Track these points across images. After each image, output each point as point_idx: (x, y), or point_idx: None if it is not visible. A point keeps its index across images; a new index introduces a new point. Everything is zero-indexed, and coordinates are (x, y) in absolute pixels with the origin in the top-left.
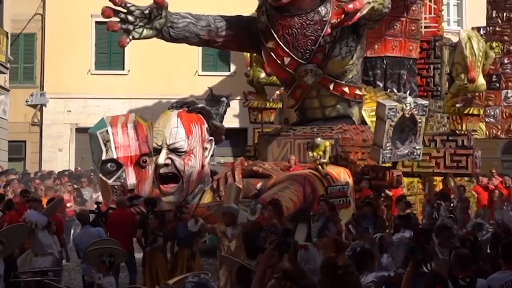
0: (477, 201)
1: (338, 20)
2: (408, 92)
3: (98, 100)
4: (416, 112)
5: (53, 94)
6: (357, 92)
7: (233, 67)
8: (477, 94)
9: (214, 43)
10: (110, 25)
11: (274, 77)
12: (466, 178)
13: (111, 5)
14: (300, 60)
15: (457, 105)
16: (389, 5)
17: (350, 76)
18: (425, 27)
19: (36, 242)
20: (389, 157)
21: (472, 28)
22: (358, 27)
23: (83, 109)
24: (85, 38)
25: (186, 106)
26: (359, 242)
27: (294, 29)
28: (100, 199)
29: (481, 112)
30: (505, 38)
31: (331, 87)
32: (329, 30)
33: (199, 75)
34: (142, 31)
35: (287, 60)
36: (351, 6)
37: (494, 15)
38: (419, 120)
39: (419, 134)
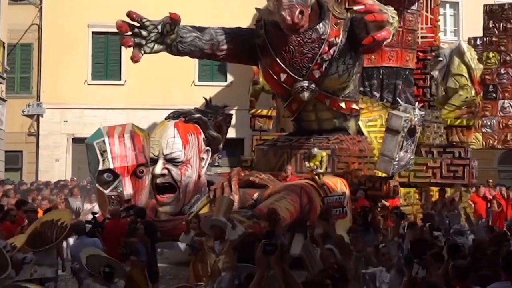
0: (474, 211)
1: (365, 46)
2: (404, 102)
3: (94, 110)
4: (417, 123)
5: (49, 104)
6: (354, 106)
7: (229, 78)
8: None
9: (215, 56)
10: (125, 41)
11: None
12: (463, 188)
13: (125, 18)
14: (296, 77)
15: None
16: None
17: (347, 92)
18: (422, 37)
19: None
20: (397, 168)
21: (469, 39)
22: (358, 46)
23: (79, 119)
24: (82, 48)
25: (182, 116)
26: None
27: (292, 47)
28: (95, 209)
29: (472, 123)
30: (502, 48)
31: (327, 102)
32: (326, 48)
33: (195, 85)
34: (154, 46)
35: (283, 76)
36: (380, 34)
37: (490, 26)
38: (417, 131)
39: (415, 144)
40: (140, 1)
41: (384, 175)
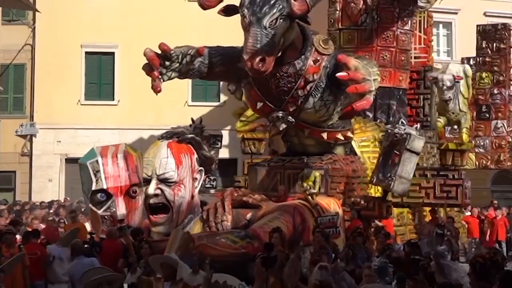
0: (467, 231)
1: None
2: (395, 121)
3: (88, 131)
4: None
5: (43, 125)
6: (339, 136)
7: (223, 98)
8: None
9: (210, 78)
10: (154, 75)
11: None
12: (455, 209)
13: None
14: (272, 106)
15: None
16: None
17: (330, 123)
18: (415, 57)
19: (52, 272)
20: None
21: (462, 59)
22: (335, 82)
23: (73, 140)
24: (75, 68)
25: (176, 136)
26: None
27: (268, 79)
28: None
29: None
30: (495, 68)
31: (307, 132)
32: (302, 84)
33: (188, 106)
34: (171, 74)
35: (259, 104)
36: (360, 104)
37: (484, 46)
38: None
39: None
40: (132, 21)
41: (377, 195)
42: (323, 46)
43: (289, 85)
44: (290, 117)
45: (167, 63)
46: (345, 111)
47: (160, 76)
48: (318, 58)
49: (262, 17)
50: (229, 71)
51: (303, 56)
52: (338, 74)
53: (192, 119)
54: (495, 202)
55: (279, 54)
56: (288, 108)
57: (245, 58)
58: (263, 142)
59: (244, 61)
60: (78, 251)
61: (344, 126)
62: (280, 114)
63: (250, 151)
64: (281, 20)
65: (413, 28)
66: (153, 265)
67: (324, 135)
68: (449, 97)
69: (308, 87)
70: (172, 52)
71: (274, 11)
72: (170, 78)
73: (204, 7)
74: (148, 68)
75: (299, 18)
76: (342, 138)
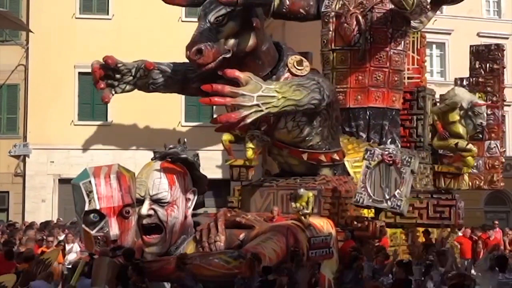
0: (460, 252)
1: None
2: (390, 141)
3: (81, 151)
4: None
5: (36, 145)
6: (322, 158)
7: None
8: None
9: (185, 93)
10: (98, 85)
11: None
12: (448, 229)
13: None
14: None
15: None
16: (314, 101)
17: (310, 144)
18: (408, 78)
19: None
20: None
21: (455, 79)
22: None
23: (66, 160)
24: (68, 88)
25: (169, 156)
26: None
27: None
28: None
29: (451, 169)
30: (488, 89)
31: (286, 151)
32: None
33: (182, 126)
34: (125, 87)
35: None
36: (224, 116)
37: (477, 66)
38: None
39: None
40: (125, 42)
41: (370, 215)
42: (296, 67)
43: None
44: (265, 136)
45: (118, 76)
46: (201, 100)
47: (111, 88)
48: (294, 76)
49: (209, 12)
50: None
51: (274, 76)
52: (202, 86)
53: (179, 140)
54: (496, 222)
55: (229, 54)
56: (261, 127)
57: (186, 48)
58: (252, 168)
59: (185, 52)
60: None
61: (329, 148)
62: (256, 133)
63: (239, 178)
64: (230, 21)
65: (407, 48)
66: None
67: (304, 156)
68: (481, 122)
69: None
70: (120, 65)
71: (220, 7)
72: (124, 91)
73: (171, 2)
74: (95, 79)
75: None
76: (325, 160)
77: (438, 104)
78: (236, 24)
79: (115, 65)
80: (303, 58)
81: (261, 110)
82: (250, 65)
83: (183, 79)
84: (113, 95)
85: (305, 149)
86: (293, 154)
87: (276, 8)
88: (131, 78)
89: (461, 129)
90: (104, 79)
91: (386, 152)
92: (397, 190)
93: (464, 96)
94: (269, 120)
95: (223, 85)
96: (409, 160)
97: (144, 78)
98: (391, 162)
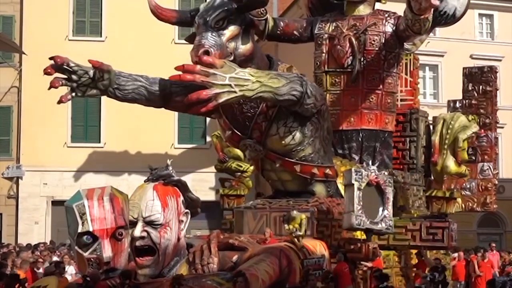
0: (452, 274)
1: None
2: (378, 164)
3: (74, 173)
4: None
5: (29, 167)
6: (314, 171)
7: (209, 140)
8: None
9: (169, 107)
10: (52, 82)
11: (229, 163)
12: (442, 251)
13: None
14: (241, 134)
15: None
16: (294, 92)
17: (302, 155)
18: (401, 99)
19: None
20: (368, 224)
21: (448, 101)
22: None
23: (59, 182)
24: (61, 110)
25: (162, 178)
26: None
27: (234, 104)
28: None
29: (447, 194)
30: (481, 111)
31: (278, 163)
32: (264, 108)
33: (175, 148)
34: (86, 89)
35: (228, 132)
36: (195, 93)
37: (470, 88)
38: (386, 191)
39: (390, 206)
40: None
41: (363, 237)
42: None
43: (251, 111)
44: (257, 145)
45: (74, 77)
46: (172, 77)
47: (73, 92)
48: None
49: (208, 18)
50: None
51: None
52: (176, 67)
53: (167, 164)
54: (493, 245)
55: (231, 57)
56: (253, 134)
57: (192, 54)
58: (242, 198)
59: (191, 56)
60: None
61: (322, 162)
62: (248, 142)
63: (230, 208)
64: (230, 24)
65: (400, 70)
66: None
67: (297, 168)
68: None
69: (270, 112)
70: (73, 65)
71: (219, 11)
72: (87, 94)
73: (159, 17)
74: (52, 80)
75: (243, 8)
76: (318, 173)
77: (431, 126)
78: (236, 28)
79: (67, 64)
80: (293, 66)
81: (234, 91)
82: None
83: (163, 90)
84: (73, 97)
85: (297, 160)
86: (286, 166)
87: (270, 30)
88: (90, 80)
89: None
90: (62, 80)
91: (372, 174)
92: (385, 211)
93: None
94: (261, 126)
95: (194, 65)
96: (390, 180)
97: (102, 80)
98: (376, 183)
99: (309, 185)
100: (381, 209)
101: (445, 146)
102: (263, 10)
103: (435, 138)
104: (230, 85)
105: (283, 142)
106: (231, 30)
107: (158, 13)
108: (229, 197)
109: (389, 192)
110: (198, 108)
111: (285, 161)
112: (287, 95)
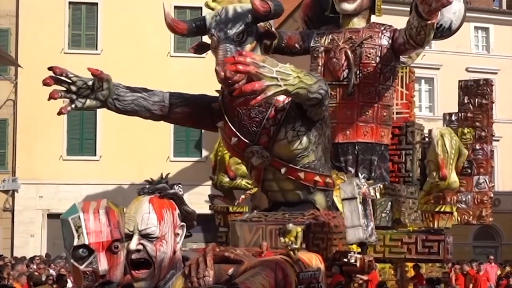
0: None
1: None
2: (376, 177)
3: (70, 186)
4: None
5: (25, 180)
6: (317, 179)
7: (204, 153)
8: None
9: (169, 119)
10: (51, 93)
11: (238, 181)
12: (437, 264)
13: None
14: (247, 141)
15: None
16: (321, 91)
17: (306, 162)
18: (397, 112)
19: None
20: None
21: (444, 114)
22: (304, 112)
23: (55, 195)
24: (57, 123)
25: (157, 191)
26: None
27: (240, 110)
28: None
29: (454, 209)
30: (477, 124)
31: (283, 170)
32: (273, 113)
33: (170, 161)
34: (85, 101)
35: (234, 139)
36: (248, 85)
37: (465, 101)
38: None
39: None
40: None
41: (359, 250)
42: None
43: (260, 115)
44: (264, 151)
45: (73, 88)
46: (235, 93)
47: (72, 103)
48: None
49: (229, 31)
50: (197, 114)
51: None
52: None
53: (161, 175)
54: (492, 258)
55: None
56: (261, 140)
57: (218, 69)
58: (239, 215)
59: (217, 72)
60: None
61: (322, 171)
62: (255, 148)
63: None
64: (249, 36)
65: (395, 83)
66: None
67: (301, 175)
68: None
69: (278, 116)
70: (72, 76)
71: (240, 23)
72: (87, 106)
73: (175, 31)
74: (51, 92)
75: (262, 19)
76: (321, 181)
77: (427, 138)
78: (253, 39)
79: (66, 75)
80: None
81: (280, 85)
82: None
83: (162, 101)
84: (72, 109)
85: (301, 167)
86: (290, 173)
87: (276, 43)
88: (89, 91)
89: None
90: (61, 92)
91: (364, 186)
92: (371, 223)
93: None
94: (269, 131)
95: (246, 55)
96: (373, 192)
97: (102, 90)
98: (365, 195)
99: (309, 194)
100: (369, 221)
101: (451, 161)
102: (268, 24)
103: (440, 153)
104: (277, 78)
105: (290, 146)
106: (250, 42)
107: (175, 27)
108: (235, 214)
109: (370, 204)
110: (249, 100)
111: (290, 168)
112: (316, 93)
